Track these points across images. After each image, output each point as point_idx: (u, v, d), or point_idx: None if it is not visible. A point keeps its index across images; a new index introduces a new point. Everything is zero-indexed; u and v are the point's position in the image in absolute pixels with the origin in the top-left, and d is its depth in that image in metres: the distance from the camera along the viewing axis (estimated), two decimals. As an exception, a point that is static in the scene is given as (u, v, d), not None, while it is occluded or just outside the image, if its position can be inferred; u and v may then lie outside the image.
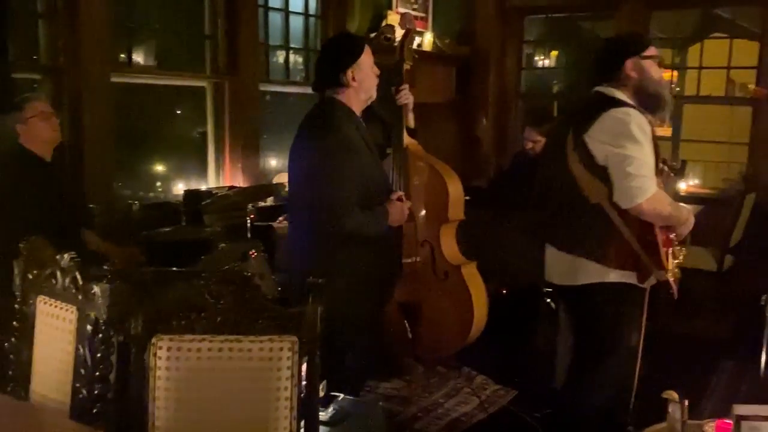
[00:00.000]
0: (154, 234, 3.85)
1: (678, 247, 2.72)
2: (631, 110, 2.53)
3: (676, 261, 2.69)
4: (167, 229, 3.88)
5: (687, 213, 2.65)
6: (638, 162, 2.45)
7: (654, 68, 2.65)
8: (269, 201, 4.75)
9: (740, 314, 4.76)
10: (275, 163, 5.52)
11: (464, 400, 3.71)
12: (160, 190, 4.90)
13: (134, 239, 3.67)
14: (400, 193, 2.85)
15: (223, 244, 3.84)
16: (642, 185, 2.45)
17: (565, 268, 2.70)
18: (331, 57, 2.76)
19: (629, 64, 2.62)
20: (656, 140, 2.59)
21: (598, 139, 2.51)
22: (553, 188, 2.72)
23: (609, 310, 2.65)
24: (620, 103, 2.57)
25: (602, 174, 2.52)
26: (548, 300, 4.40)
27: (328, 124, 2.68)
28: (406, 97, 3.11)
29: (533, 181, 4.40)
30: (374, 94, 2.82)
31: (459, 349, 3.74)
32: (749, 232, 4.97)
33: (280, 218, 4.58)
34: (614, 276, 2.60)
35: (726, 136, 6.98)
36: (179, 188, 4.85)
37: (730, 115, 7.15)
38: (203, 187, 4.77)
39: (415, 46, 3.31)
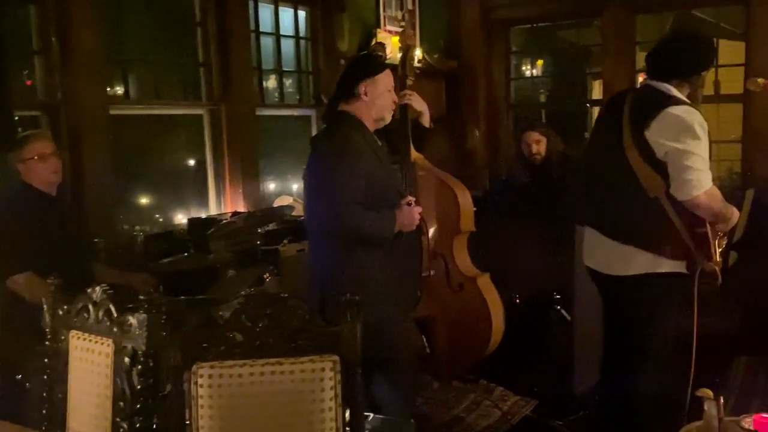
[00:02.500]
0: (162, 264, 3.81)
1: (720, 236, 2.81)
2: (691, 108, 2.61)
3: (720, 250, 2.80)
4: (175, 259, 3.84)
5: (732, 211, 2.72)
6: (697, 157, 2.54)
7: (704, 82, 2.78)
8: (272, 225, 4.72)
9: (747, 310, 4.78)
10: (274, 187, 5.51)
11: (485, 413, 3.69)
12: (160, 220, 4.85)
13: (142, 270, 3.63)
14: (411, 198, 2.85)
15: (231, 271, 3.81)
16: (699, 179, 2.54)
17: (616, 257, 2.76)
18: (351, 69, 2.90)
19: (703, 74, 2.74)
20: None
21: (659, 135, 2.58)
22: (607, 180, 2.79)
23: (660, 299, 2.73)
24: (677, 101, 2.63)
25: (662, 169, 2.60)
26: (558, 307, 4.41)
27: (332, 131, 2.81)
28: (407, 97, 3.13)
29: (535, 188, 4.49)
30: (387, 118, 2.88)
31: (478, 362, 3.73)
32: (751, 228, 5.01)
33: (285, 241, 4.56)
34: (666, 266, 2.68)
35: (713, 135, 7.06)
36: (179, 218, 4.82)
37: (717, 115, 7.23)
38: (204, 215, 4.74)
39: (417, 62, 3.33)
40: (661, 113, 2.58)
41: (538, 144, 4.54)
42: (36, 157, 3.00)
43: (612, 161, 2.73)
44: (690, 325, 2.80)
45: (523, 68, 7.47)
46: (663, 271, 2.68)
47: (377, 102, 2.77)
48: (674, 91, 2.67)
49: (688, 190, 2.54)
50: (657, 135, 2.58)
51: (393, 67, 3.33)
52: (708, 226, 2.63)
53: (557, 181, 4.42)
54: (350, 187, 2.64)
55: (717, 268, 2.71)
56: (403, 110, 3.11)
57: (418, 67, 5.81)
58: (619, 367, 2.95)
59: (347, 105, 2.79)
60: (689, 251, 2.66)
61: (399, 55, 5.42)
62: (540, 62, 7.47)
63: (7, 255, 2.83)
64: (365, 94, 2.75)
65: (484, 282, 3.50)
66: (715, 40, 6.01)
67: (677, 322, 2.80)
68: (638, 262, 2.69)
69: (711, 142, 2.69)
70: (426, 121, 3.16)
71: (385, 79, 2.81)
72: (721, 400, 2.20)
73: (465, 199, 3.44)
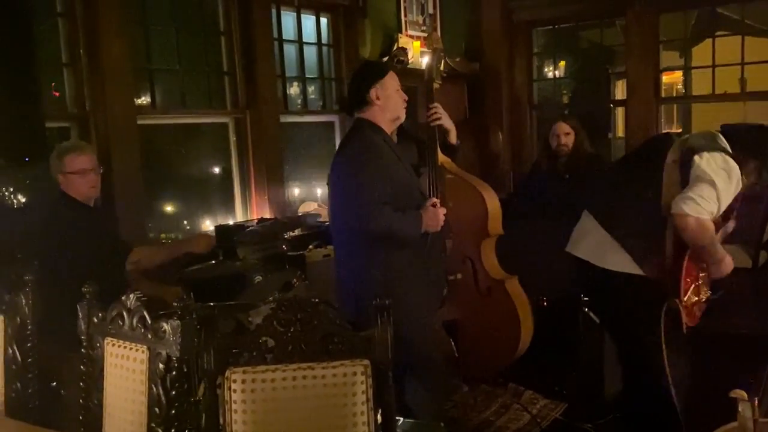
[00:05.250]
0: (191, 271, 3.84)
1: (704, 288, 2.87)
2: (742, 166, 2.72)
3: (696, 298, 2.83)
4: (204, 266, 3.87)
5: (722, 255, 2.78)
6: (714, 192, 2.62)
7: (753, 177, 2.86)
8: (298, 231, 4.75)
9: (780, 309, 4.70)
10: (298, 192, 5.54)
11: (515, 416, 3.67)
12: (188, 227, 4.91)
13: (172, 277, 3.66)
14: (435, 200, 2.90)
15: (259, 277, 3.83)
16: (700, 204, 2.60)
17: (594, 245, 2.87)
18: (358, 79, 2.96)
19: (753, 162, 2.81)
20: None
21: (705, 163, 2.68)
22: (636, 186, 2.88)
23: (628, 299, 2.81)
24: (737, 159, 2.73)
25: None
26: (586, 309, 4.37)
27: (354, 136, 2.88)
28: (438, 116, 3.14)
29: (553, 192, 4.47)
30: (402, 116, 2.93)
31: (506, 365, 3.71)
32: (781, 227, 4.93)
33: (311, 246, 4.58)
34: (636, 272, 2.75)
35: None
36: (207, 224, 4.87)
37: (743, 112, 7.15)
38: (231, 222, 4.78)
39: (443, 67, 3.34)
40: (718, 149, 2.72)
41: (566, 136, 4.51)
42: (76, 172, 3.06)
43: (649, 169, 2.83)
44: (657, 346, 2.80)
45: (546, 69, 7.43)
46: (634, 273, 2.75)
47: (389, 103, 2.85)
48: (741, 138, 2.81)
49: (684, 205, 2.61)
50: (704, 161, 2.69)
51: (410, 71, 3.36)
52: (686, 262, 2.68)
53: (582, 178, 4.39)
54: (376, 188, 2.69)
55: (682, 309, 2.74)
56: (433, 122, 3.13)
57: (443, 71, 5.82)
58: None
59: (362, 112, 2.86)
60: (662, 275, 2.72)
61: (422, 59, 5.44)
62: (563, 63, 7.42)
63: (48, 262, 2.88)
64: (377, 98, 2.83)
65: (513, 285, 3.48)
66: (741, 37, 6.03)
67: (646, 332, 2.82)
68: (615, 259, 2.79)
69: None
70: (453, 138, 3.19)
71: (391, 80, 2.88)
72: (756, 402, 2.18)
73: (492, 202, 3.44)
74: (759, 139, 2.90)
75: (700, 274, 2.79)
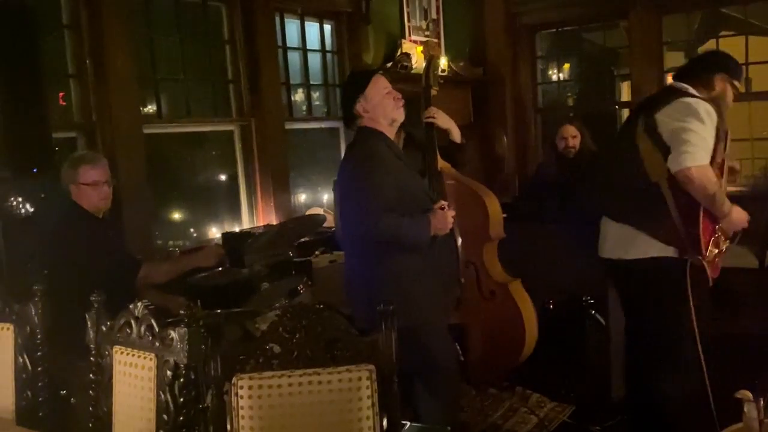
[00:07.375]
0: (198, 279, 3.86)
1: (722, 238, 2.90)
2: (701, 100, 2.78)
3: (717, 250, 2.88)
4: (210, 273, 3.89)
5: (730, 206, 2.81)
6: (696, 135, 2.67)
7: (731, 95, 2.92)
8: (304, 237, 4.77)
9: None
10: (304, 198, 5.57)
11: (522, 420, 3.68)
12: (195, 235, 4.94)
13: (178, 286, 3.68)
14: (443, 202, 2.89)
15: (266, 284, 3.86)
16: (694, 152, 2.65)
17: (619, 242, 2.93)
18: (343, 95, 3.04)
19: (719, 77, 2.89)
20: (722, 135, 2.78)
21: (667, 116, 2.76)
22: (617, 166, 2.98)
23: (654, 283, 2.86)
24: (691, 94, 2.83)
25: (665, 152, 2.73)
26: (593, 311, 4.37)
27: (356, 145, 2.91)
28: (432, 117, 3.18)
29: (561, 191, 4.48)
30: (398, 117, 2.93)
31: (512, 368, 3.73)
32: (787, 226, 4.92)
33: (317, 252, 4.61)
34: (659, 250, 2.81)
35: (745, 133, 6.97)
36: (213, 232, 4.90)
37: (749, 112, 7.13)
38: (238, 229, 4.82)
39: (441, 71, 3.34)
40: (673, 101, 2.79)
41: (574, 138, 4.62)
42: (90, 184, 3.08)
43: (624, 148, 2.93)
44: (690, 324, 2.85)
45: (550, 72, 7.45)
46: (656, 255, 2.81)
47: (378, 111, 2.85)
48: (690, 89, 2.86)
49: (682, 160, 2.65)
50: (666, 116, 2.77)
51: (415, 77, 3.37)
52: (702, 218, 2.72)
53: (585, 177, 4.43)
54: (383, 195, 2.70)
55: (706, 264, 2.80)
56: (428, 125, 3.14)
57: (442, 76, 5.83)
58: (638, 365, 3.06)
59: (360, 122, 2.89)
60: (680, 240, 2.78)
61: (424, 65, 5.46)
62: (567, 66, 7.44)
63: (57, 272, 2.91)
64: (365, 111, 2.85)
65: (516, 288, 3.49)
66: (744, 38, 6.02)
67: (679, 317, 2.86)
68: (635, 245, 2.85)
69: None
70: (456, 136, 3.19)
71: (376, 87, 2.86)
72: (761, 402, 2.18)
73: (493, 206, 3.45)
74: (709, 58, 3.06)
75: (716, 227, 2.83)
